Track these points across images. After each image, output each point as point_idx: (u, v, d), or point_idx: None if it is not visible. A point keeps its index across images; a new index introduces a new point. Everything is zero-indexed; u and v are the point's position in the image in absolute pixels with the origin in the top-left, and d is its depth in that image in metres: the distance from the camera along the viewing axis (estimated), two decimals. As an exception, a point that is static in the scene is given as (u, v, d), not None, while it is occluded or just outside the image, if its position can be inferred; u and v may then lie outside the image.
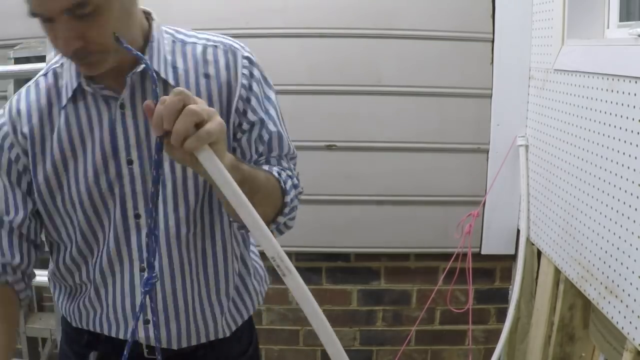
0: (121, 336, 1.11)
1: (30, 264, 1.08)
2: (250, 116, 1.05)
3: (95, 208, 1.04)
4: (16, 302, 1.07)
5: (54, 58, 1.11)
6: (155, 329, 1.06)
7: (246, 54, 1.07)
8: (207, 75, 1.03)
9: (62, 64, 1.05)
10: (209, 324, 1.14)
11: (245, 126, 1.05)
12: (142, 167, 1.02)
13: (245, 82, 1.05)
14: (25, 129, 1.03)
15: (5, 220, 1.04)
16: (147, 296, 0.93)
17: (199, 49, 1.05)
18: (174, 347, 1.12)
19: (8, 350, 1.03)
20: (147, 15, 1.04)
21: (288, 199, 1.04)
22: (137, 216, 1.04)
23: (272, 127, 1.07)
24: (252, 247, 1.25)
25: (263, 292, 1.29)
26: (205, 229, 1.08)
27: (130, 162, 1.02)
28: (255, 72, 1.07)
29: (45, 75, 1.06)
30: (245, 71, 1.05)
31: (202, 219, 1.07)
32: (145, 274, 0.92)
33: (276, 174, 1.04)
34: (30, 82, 1.07)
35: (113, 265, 1.07)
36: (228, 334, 1.17)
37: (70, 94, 1.01)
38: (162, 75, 1.01)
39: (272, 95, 1.11)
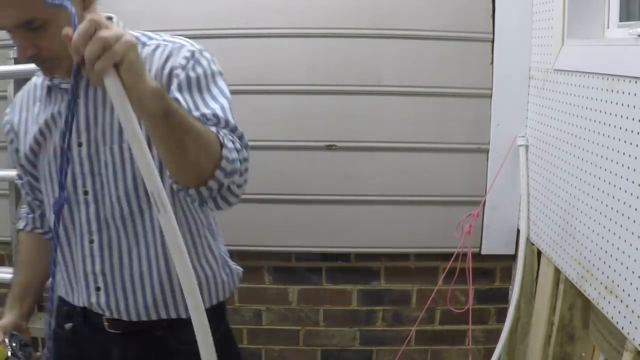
0: (80, 303, 1.25)
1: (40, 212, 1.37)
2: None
3: (53, 180, 1.21)
4: (40, 244, 1.37)
5: None
6: (105, 296, 1.20)
7: (192, 49, 1.14)
8: (150, 70, 1.11)
9: None
10: (167, 300, 1.22)
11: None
12: (89, 149, 1.16)
13: (179, 72, 1.11)
14: (16, 121, 1.26)
15: (18, 184, 1.37)
16: (94, 262, 1.19)
17: (151, 48, 1.14)
18: (132, 318, 1.21)
19: (29, 287, 1.33)
20: (109, 20, 1.05)
21: (227, 152, 1.02)
22: (85, 193, 1.18)
23: (204, 110, 1.09)
24: (221, 243, 1.34)
25: (231, 286, 1.36)
26: (143, 211, 1.17)
27: (79, 145, 1.16)
28: (195, 66, 1.13)
29: (38, 75, 1.26)
30: (183, 61, 1.12)
31: (145, 198, 1.16)
32: (94, 245, 1.18)
33: (214, 129, 1.04)
34: (34, 77, 1.27)
35: (68, 234, 1.22)
36: (185, 316, 1.22)
37: (44, 90, 1.20)
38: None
39: (215, 90, 1.14)
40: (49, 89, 1.20)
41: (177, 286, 1.21)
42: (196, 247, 1.26)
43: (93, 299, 1.22)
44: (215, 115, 1.09)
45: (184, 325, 1.17)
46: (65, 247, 1.24)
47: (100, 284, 1.21)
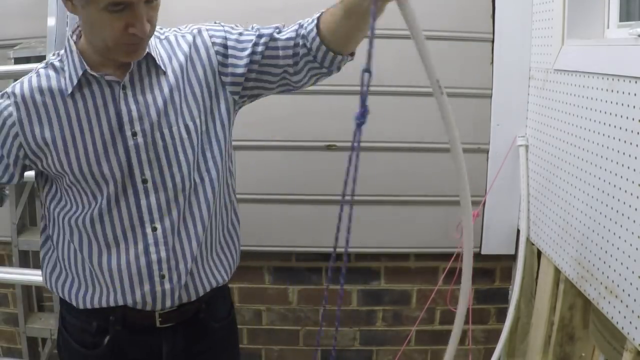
0: (137, 299, 1.23)
1: None
2: (239, 52, 1.24)
3: (103, 175, 1.18)
4: None
5: (52, 57, 1.24)
6: (170, 282, 1.22)
7: (198, 26, 1.27)
8: (186, 57, 1.23)
9: (60, 59, 1.19)
10: (211, 268, 1.31)
11: (246, 58, 1.23)
12: (145, 137, 1.18)
13: (217, 41, 1.25)
14: (26, 111, 1.17)
15: None
16: (158, 250, 1.20)
17: (172, 39, 1.25)
18: (191, 298, 1.27)
19: None
20: None
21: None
22: (144, 181, 1.20)
23: (249, 39, 1.25)
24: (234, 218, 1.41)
25: (236, 262, 1.43)
26: (197, 186, 1.25)
27: (134, 135, 1.18)
28: (211, 29, 1.27)
29: (45, 67, 1.20)
30: (212, 33, 1.26)
31: (199, 174, 1.25)
32: (157, 233, 1.20)
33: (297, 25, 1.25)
34: (31, 73, 1.21)
35: (125, 228, 1.21)
36: (226, 280, 1.35)
37: (76, 82, 1.16)
38: (159, 62, 1.20)
39: (228, 28, 1.28)
40: (80, 83, 1.17)
41: (216, 247, 1.32)
42: (227, 224, 1.35)
43: (158, 288, 1.22)
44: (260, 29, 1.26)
45: (217, 298, 1.36)
46: (114, 246, 1.21)
47: (165, 272, 1.22)
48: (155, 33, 1.22)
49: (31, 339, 2.28)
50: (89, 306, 1.26)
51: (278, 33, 1.23)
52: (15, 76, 2.11)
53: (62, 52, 1.20)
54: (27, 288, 2.27)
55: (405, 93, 2.21)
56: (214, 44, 1.24)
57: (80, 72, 1.15)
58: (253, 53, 1.22)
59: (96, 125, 1.17)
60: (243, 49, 1.23)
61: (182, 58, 1.23)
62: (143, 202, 1.20)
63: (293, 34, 1.22)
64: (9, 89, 1.20)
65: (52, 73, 1.19)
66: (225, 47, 1.24)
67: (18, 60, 2.10)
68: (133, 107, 1.18)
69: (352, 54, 1.22)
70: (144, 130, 1.18)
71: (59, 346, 1.35)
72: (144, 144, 1.19)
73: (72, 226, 1.23)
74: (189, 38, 1.25)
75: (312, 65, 1.21)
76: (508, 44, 2.17)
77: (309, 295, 2.38)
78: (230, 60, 1.24)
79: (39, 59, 1.98)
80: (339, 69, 1.25)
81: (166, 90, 1.20)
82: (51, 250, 1.30)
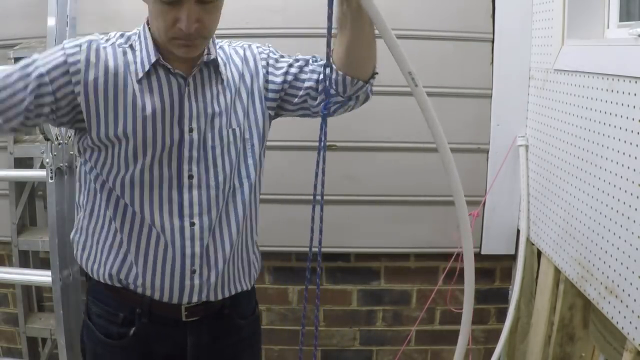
0: (165, 287, 1.25)
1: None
2: (277, 70, 1.35)
3: (152, 162, 1.22)
4: None
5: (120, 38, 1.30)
6: (199, 278, 1.26)
7: (247, 43, 1.38)
8: (237, 67, 1.33)
9: (138, 41, 1.23)
10: (239, 273, 1.35)
11: (282, 76, 1.35)
12: (199, 135, 1.24)
13: (263, 56, 1.36)
14: (94, 77, 1.18)
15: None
16: (193, 245, 1.24)
17: (226, 48, 1.34)
18: (218, 297, 1.31)
19: None
20: None
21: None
22: (190, 177, 1.24)
23: (286, 60, 1.37)
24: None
25: (259, 269, 1.47)
26: (236, 189, 1.30)
27: (191, 130, 1.23)
28: (259, 46, 1.38)
29: (125, 43, 1.24)
30: (261, 50, 1.37)
31: (239, 179, 1.31)
32: (195, 228, 1.24)
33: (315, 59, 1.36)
34: (109, 41, 1.23)
35: (163, 220, 1.24)
36: (249, 287, 1.39)
37: (148, 68, 1.20)
38: (221, 67, 1.28)
39: (272, 49, 1.40)
40: (149, 71, 1.20)
41: (245, 257, 1.36)
42: (252, 233, 1.38)
43: (187, 282, 1.26)
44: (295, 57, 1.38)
45: (243, 298, 1.39)
46: (154, 236, 1.24)
47: (197, 267, 1.26)
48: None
49: (31, 339, 2.28)
50: (114, 277, 1.27)
51: (314, 61, 1.35)
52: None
53: (134, 35, 1.24)
54: (27, 288, 2.27)
55: (405, 93, 2.19)
56: (262, 58, 1.35)
57: (153, 59, 1.20)
58: (287, 73, 1.34)
59: (159, 113, 1.20)
60: (280, 67, 1.35)
61: (234, 67, 1.32)
62: (186, 195, 1.24)
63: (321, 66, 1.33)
64: (84, 45, 1.19)
65: (128, 50, 1.22)
66: (268, 63, 1.35)
67: (18, 60, 2.09)
68: (194, 104, 1.24)
69: (369, 80, 1.32)
70: (200, 128, 1.24)
71: (82, 338, 1.38)
72: (197, 140, 1.24)
73: (117, 202, 1.25)
74: (240, 50, 1.34)
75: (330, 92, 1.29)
76: (508, 44, 2.17)
77: (309, 295, 2.38)
78: (271, 77, 1.34)
79: (39, 59, 1.98)
80: (357, 98, 1.35)
81: (221, 93, 1.28)
82: (86, 228, 1.31)
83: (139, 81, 1.20)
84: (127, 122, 1.20)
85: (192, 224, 1.25)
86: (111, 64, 1.20)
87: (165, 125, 1.21)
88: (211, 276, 1.29)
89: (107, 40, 1.24)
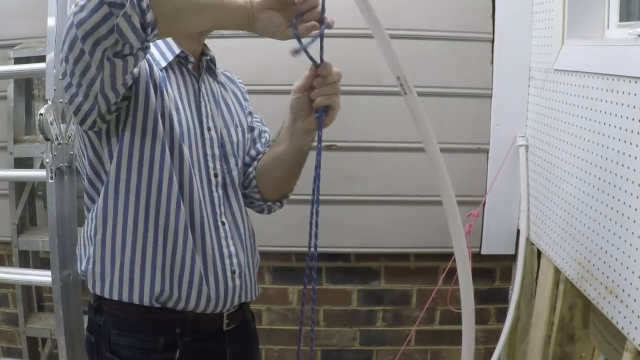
0: (211, 294, 1.19)
1: None
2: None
3: (182, 156, 1.16)
4: None
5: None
6: (240, 279, 1.25)
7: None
8: (234, 89, 1.39)
9: None
10: (253, 279, 1.33)
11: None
12: (216, 133, 1.25)
13: (246, 97, 1.44)
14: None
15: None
16: (228, 244, 1.22)
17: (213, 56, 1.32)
18: (254, 297, 1.31)
19: None
20: None
21: None
22: (215, 175, 1.24)
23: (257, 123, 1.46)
24: None
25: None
26: (239, 186, 1.31)
27: (209, 129, 1.24)
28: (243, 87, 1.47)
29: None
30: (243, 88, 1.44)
31: (238, 174, 1.31)
32: (226, 227, 1.23)
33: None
34: None
35: (194, 220, 1.17)
36: (257, 293, 1.36)
37: (171, 58, 1.18)
38: (217, 68, 1.32)
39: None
40: (171, 63, 1.19)
41: (256, 252, 1.36)
42: (254, 238, 1.36)
43: (230, 284, 1.23)
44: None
45: (246, 305, 1.36)
46: (191, 238, 1.16)
47: (235, 267, 1.24)
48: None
49: (31, 339, 2.28)
50: (146, 299, 1.14)
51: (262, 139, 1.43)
52: (16, 76, 2.12)
53: None
54: (27, 288, 2.27)
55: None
56: (244, 98, 1.44)
57: (176, 51, 1.19)
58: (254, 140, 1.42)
59: (181, 108, 1.18)
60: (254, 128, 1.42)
61: (222, 74, 1.37)
62: (215, 194, 1.23)
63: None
64: None
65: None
66: (251, 112, 1.44)
67: (18, 60, 2.10)
68: (207, 103, 1.25)
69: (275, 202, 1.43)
70: (216, 127, 1.25)
71: None
72: (216, 139, 1.25)
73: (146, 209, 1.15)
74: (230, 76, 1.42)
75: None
76: (508, 44, 2.17)
77: (309, 295, 2.38)
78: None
79: (39, 59, 1.98)
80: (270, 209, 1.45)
81: (222, 93, 1.32)
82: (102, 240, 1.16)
83: (164, 70, 1.18)
84: (164, 107, 1.15)
85: (222, 223, 1.24)
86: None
87: (188, 121, 1.20)
88: (246, 274, 1.28)
89: None
